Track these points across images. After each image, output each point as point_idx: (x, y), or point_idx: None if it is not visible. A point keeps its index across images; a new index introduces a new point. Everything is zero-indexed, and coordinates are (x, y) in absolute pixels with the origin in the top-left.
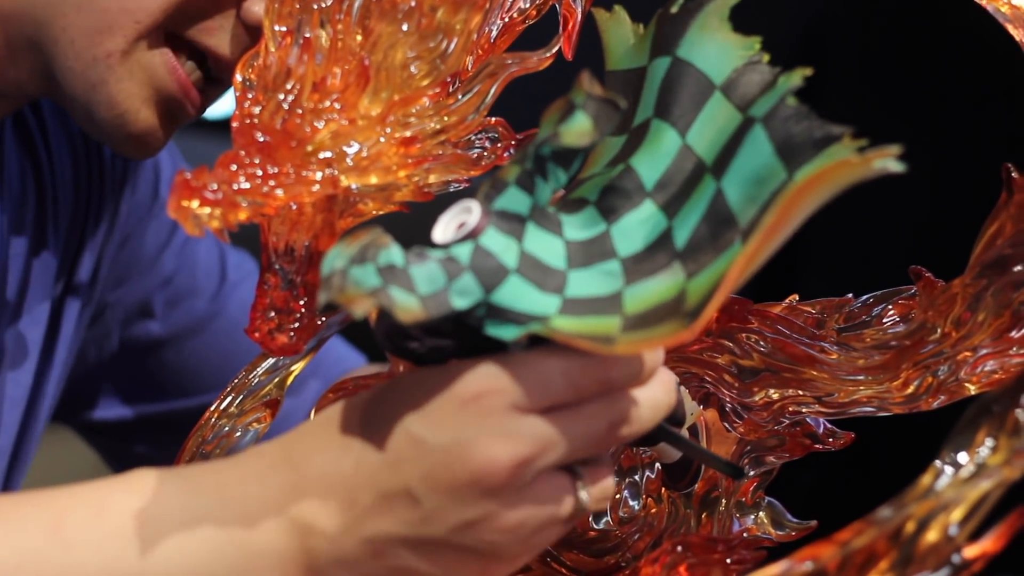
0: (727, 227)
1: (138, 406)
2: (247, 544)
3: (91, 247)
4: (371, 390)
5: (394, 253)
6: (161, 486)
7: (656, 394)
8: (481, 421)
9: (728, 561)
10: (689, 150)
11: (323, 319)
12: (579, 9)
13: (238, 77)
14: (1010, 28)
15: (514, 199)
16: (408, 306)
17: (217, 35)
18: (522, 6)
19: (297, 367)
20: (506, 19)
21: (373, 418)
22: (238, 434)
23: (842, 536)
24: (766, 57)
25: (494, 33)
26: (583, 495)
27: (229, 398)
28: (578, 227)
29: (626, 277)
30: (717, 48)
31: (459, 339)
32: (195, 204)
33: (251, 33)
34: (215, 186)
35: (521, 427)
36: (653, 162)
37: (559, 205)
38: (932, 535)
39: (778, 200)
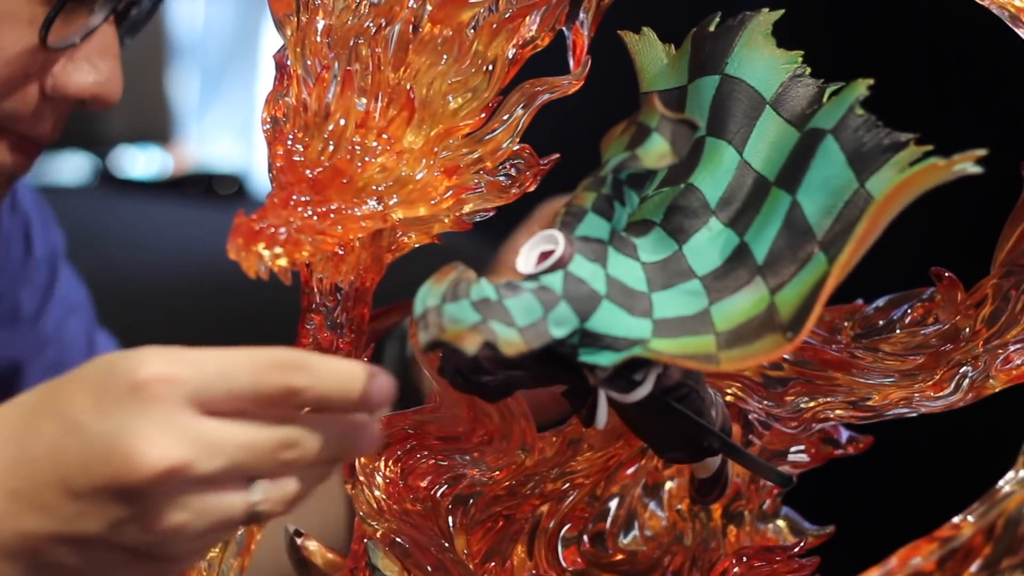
0: (805, 239)
1: None
2: None
3: None
4: (64, 376)
5: (485, 287)
6: None
7: (345, 425)
8: (148, 410)
9: (788, 570)
10: (747, 166)
11: (366, 357)
12: (586, 33)
13: (265, 115)
14: (1019, 30)
15: (594, 225)
16: (510, 339)
17: (29, 122)
18: (531, 34)
19: None
20: (518, 46)
21: (49, 402)
22: None
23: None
24: (808, 70)
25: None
26: (260, 504)
27: None
28: (650, 249)
29: (709, 295)
30: (764, 64)
31: (534, 369)
32: (262, 246)
33: (56, 107)
34: (278, 227)
35: (186, 426)
36: (714, 180)
37: (627, 228)
38: None
39: (869, 208)
